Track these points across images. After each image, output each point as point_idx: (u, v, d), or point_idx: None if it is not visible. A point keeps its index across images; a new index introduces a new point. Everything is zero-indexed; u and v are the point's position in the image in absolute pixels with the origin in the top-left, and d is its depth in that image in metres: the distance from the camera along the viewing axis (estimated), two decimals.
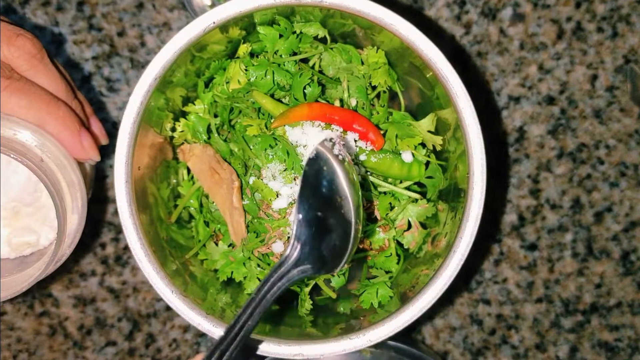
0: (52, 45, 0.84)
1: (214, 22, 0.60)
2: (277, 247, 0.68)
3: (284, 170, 0.66)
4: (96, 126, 0.69)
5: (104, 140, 0.70)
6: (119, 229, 0.87)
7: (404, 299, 0.64)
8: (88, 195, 0.69)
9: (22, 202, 0.68)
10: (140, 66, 0.85)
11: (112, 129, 0.85)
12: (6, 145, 0.59)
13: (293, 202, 0.67)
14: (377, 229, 0.70)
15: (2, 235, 0.68)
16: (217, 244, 0.71)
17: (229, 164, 0.68)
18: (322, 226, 0.57)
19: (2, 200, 0.67)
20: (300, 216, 0.56)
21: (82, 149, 0.64)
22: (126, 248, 0.87)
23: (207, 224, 0.72)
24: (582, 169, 0.88)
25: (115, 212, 0.86)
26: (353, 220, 0.57)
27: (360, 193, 0.58)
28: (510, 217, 0.89)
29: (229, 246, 0.70)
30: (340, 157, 0.57)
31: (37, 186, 0.68)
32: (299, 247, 0.56)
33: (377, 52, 0.68)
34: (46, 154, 0.62)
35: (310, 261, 0.56)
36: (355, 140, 0.66)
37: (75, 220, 0.65)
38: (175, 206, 0.71)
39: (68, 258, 0.86)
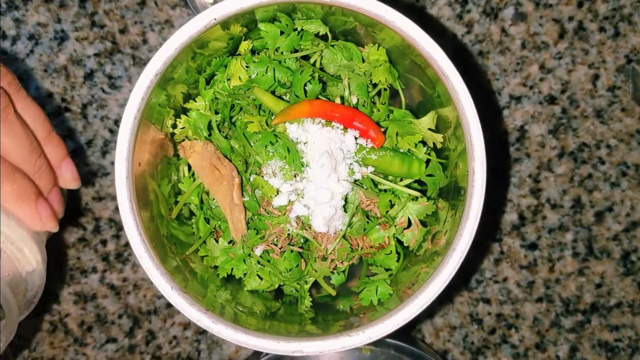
0: (55, 42, 0.84)
1: (215, 19, 0.60)
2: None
3: (285, 167, 0.66)
4: (68, 170, 0.64)
5: (74, 184, 0.65)
6: (119, 226, 0.87)
7: (404, 297, 0.64)
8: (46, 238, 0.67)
9: None
10: (142, 63, 0.85)
11: (114, 125, 0.85)
12: None
13: (293, 199, 0.67)
14: (377, 226, 0.70)
15: None
16: (217, 241, 0.71)
17: (230, 160, 0.68)
18: None
19: None
20: None
21: (39, 221, 0.60)
22: (127, 245, 0.87)
23: (207, 220, 0.72)
24: (583, 168, 0.88)
25: (116, 209, 0.86)
26: None
27: None
28: (510, 217, 0.89)
29: (229, 243, 0.70)
30: None
31: None
32: None
33: (378, 49, 0.68)
34: (7, 241, 0.59)
35: None
36: (356, 138, 0.66)
37: (35, 288, 0.64)
38: (176, 203, 0.71)
39: (68, 255, 0.87)
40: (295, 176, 0.66)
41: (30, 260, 0.63)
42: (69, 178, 0.65)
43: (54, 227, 0.62)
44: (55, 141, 0.63)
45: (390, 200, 0.69)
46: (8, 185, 0.58)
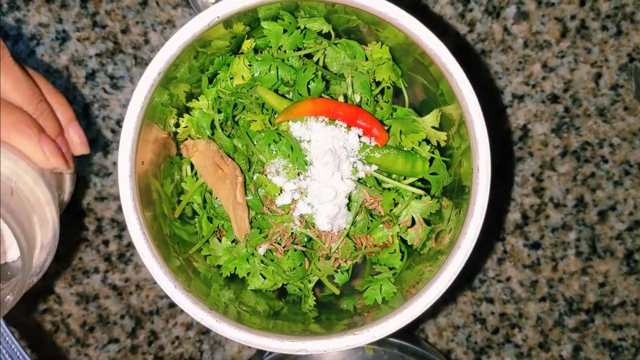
0: (56, 42, 0.84)
1: (218, 17, 0.60)
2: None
3: (288, 166, 0.66)
4: (75, 133, 0.61)
5: (83, 149, 0.62)
6: (122, 226, 0.87)
7: (408, 296, 0.64)
8: (63, 207, 0.63)
9: None
10: (144, 63, 0.85)
11: (116, 126, 0.85)
12: None
13: (297, 198, 0.67)
14: (381, 225, 0.70)
15: None
16: (220, 240, 0.70)
17: (233, 159, 0.68)
18: None
19: None
20: None
21: (44, 157, 0.56)
22: (129, 245, 0.87)
23: (210, 219, 0.71)
24: (586, 167, 0.88)
25: (119, 209, 0.86)
26: None
27: None
28: (514, 216, 0.88)
29: (232, 242, 0.70)
30: None
31: None
32: None
33: (381, 47, 0.68)
34: (19, 182, 0.55)
35: None
36: (359, 136, 0.66)
37: (43, 257, 0.58)
38: (179, 202, 0.71)
39: (71, 256, 0.87)
40: (298, 175, 0.66)
41: (44, 210, 0.58)
42: (76, 142, 0.61)
43: (60, 164, 0.57)
44: (60, 100, 0.60)
45: (394, 199, 0.69)
46: (6, 117, 0.54)
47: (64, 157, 0.58)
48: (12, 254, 0.61)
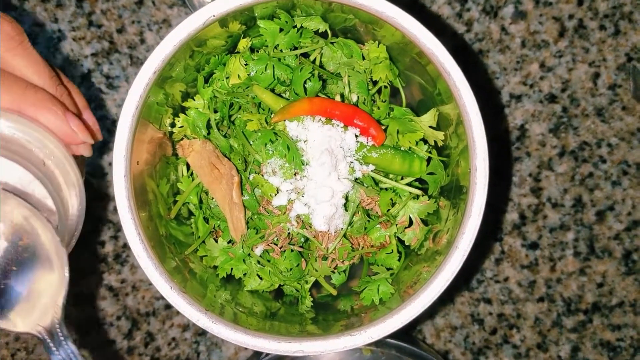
0: (51, 41, 0.83)
1: (214, 15, 0.60)
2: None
3: (284, 166, 0.65)
4: (90, 120, 0.63)
5: (97, 135, 0.64)
6: (118, 227, 0.87)
7: (405, 296, 0.64)
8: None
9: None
10: (139, 63, 0.84)
11: (111, 126, 0.85)
12: (7, 148, 0.56)
13: (293, 198, 0.66)
14: (378, 225, 0.69)
15: None
16: (216, 241, 0.70)
17: (229, 159, 0.67)
18: None
19: None
20: None
21: (71, 132, 0.59)
22: (125, 246, 0.87)
23: (206, 220, 0.71)
24: (584, 167, 0.87)
25: (115, 210, 0.85)
26: None
27: None
28: (511, 216, 0.88)
29: (228, 243, 0.70)
30: None
31: (28, 186, 0.65)
32: None
33: (378, 46, 0.68)
34: (48, 156, 0.59)
35: None
36: (356, 136, 0.66)
37: (75, 217, 0.61)
38: (175, 202, 0.70)
39: (69, 256, 0.86)
40: (295, 175, 0.66)
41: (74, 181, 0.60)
42: (89, 126, 0.63)
43: (87, 137, 0.59)
44: (73, 88, 0.63)
45: (391, 199, 0.69)
46: (33, 95, 0.57)
47: (90, 132, 0.60)
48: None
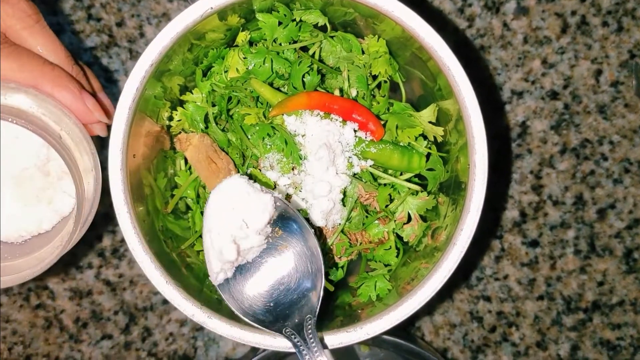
0: None
1: (211, 8, 0.59)
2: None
3: (282, 160, 0.65)
4: (105, 101, 0.66)
5: (112, 117, 0.65)
6: (115, 222, 0.86)
7: (403, 292, 0.63)
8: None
9: (33, 170, 0.66)
10: (139, 57, 0.84)
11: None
12: (25, 119, 0.57)
13: (291, 192, 0.66)
14: (377, 221, 0.69)
15: (5, 212, 0.65)
16: None
17: (227, 153, 0.67)
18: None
19: (9, 169, 0.64)
20: None
21: (87, 110, 0.61)
22: (123, 241, 0.86)
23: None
24: (585, 165, 0.87)
25: (112, 204, 0.85)
26: None
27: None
28: (512, 213, 0.88)
29: None
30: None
31: (45, 159, 0.66)
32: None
33: (378, 41, 0.67)
34: (64, 130, 0.60)
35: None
36: (355, 131, 0.65)
37: (87, 209, 0.63)
38: (172, 196, 0.70)
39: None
40: (293, 169, 0.65)
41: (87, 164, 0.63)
42: (106, 108, 0.65)
43: (103, 116, 0.62)
44: (89, 71, 0.65)
45: (390, 195, 0.68)
46: (49, 72, 0.59)
47: (105, 112, 0.62)
48: (64, 206, 0.67)
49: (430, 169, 0.69)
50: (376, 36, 0.67)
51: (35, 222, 0.67)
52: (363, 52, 0.69)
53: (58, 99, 0.60)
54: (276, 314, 0.60)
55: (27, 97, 0.59)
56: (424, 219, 0.70)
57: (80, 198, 0.60)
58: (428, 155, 0.69)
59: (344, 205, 0.66)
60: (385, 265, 0.70)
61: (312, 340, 0.58)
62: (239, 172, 0.66)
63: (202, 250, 0.69)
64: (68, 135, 0.61)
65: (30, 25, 0.60)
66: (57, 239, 0.66)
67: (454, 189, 0.66)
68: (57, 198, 0.67)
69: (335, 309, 0.70)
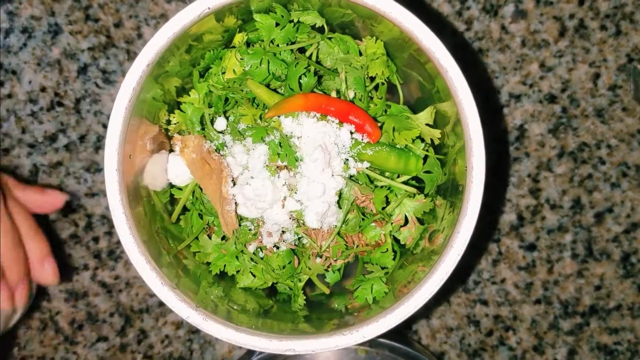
0: (48, 35, 0.82)
1: (209, 8, 0.59)
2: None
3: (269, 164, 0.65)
4: (50, 266, 0.68)
5: (54, 281, 0.69)
6: (112, 223, 0.85)
7: (399, 296, 0.63)
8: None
9: None
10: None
11: (107, 121, 0.84)
12: None
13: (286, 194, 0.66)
14: (373, 224, 0.68)
15: None
16: (210, 237, 0.69)
17: (222, 155, 0.67)
18: None
19: None
20: None
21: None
22: (119, 242, 0.85)
23: (201, 216, 0.70)
24: (583, 168, 0.87)
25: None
26: None
27: None
28: (509, 217, 0.87)
29: (222, 239, 0.69)
30: None
31: None
32: None
33: (375, 42, 0.67)
34: None
35: None
36: (352, 132, 0.65)
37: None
38: (171, 196, 0.70)
39: (60, 252, 0.85)
40: (288, 171, 0.65)
41: None
42: (49, 273, 0.67)
43: (7, 308, 0.64)
44: (39, 236, 0.68)
45: (387, 197, 0.68)
46: None
47: (13, 302, 0.65)
48: None
49: (427, 172, 0.68)
50: (374, 38, 0.67)
51: None
52: (361, 54, 0.68)
53: None
54: None
55: None
56: (421, 221, 0.70)
57: None
58: (425, 158, 0.68)
59: (340, 207, 0.66)
60: (382, 268, 0.69)
61: None
62: (232, 174, 0.66)
63: (199, 252, 0.69)
64: None
65: None
66: None
67: (452, 191, 0.66)
68: None
69: (331, 312, 0.69)
